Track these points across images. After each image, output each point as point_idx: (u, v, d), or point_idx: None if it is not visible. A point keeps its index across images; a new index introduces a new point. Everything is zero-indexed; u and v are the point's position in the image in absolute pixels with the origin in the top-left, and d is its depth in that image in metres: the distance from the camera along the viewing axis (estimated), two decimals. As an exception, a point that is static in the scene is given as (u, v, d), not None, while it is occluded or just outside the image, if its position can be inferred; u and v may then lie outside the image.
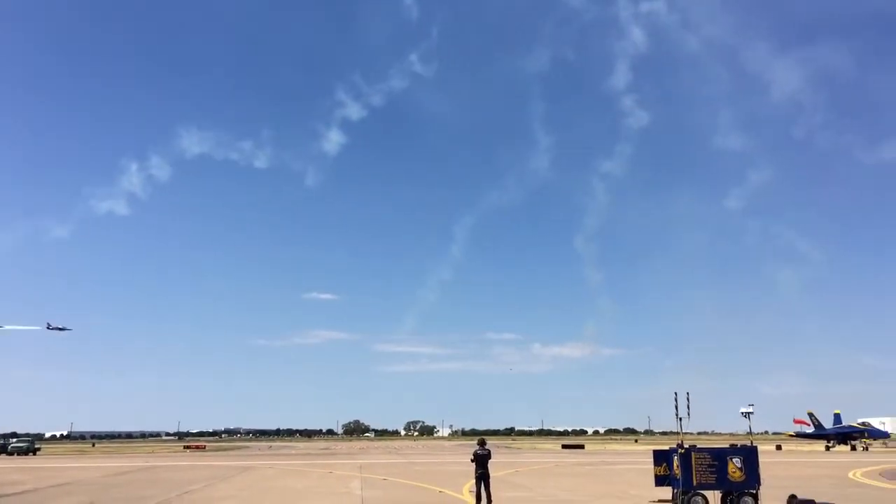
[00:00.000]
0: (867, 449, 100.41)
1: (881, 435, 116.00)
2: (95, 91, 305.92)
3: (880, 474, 44.15)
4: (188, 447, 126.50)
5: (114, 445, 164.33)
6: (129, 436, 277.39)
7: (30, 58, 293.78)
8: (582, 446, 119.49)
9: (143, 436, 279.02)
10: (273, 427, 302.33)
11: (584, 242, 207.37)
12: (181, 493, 31.69)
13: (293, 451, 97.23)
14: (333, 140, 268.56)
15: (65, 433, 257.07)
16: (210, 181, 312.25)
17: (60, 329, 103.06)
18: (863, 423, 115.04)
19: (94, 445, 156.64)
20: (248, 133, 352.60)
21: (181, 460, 71.16)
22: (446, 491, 31.69)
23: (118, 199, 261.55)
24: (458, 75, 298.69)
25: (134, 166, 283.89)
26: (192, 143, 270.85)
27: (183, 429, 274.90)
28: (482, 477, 24.35)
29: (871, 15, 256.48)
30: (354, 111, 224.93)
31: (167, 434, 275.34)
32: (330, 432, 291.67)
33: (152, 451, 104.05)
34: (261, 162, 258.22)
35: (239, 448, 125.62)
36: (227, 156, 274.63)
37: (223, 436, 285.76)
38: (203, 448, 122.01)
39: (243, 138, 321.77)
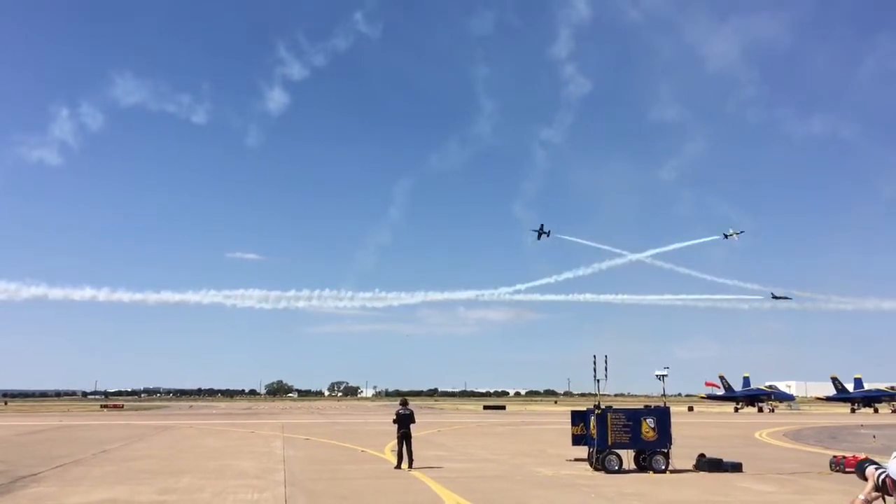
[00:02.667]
0: (773, 411, 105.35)
1: (786, 397, 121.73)
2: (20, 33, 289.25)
3: (784, 434, 46.39)
4: (105, 406, 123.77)
5: (27, 404, 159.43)
6: (43, 394, 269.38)
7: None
8: (503, 407, 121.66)
9: (59, 395, 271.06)
10: (194, 387, 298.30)
11: (522, 208, 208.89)
12: (97, 453, 31.04)
13: (214, 411, 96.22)
14: (275, 99, 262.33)
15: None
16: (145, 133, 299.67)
17: None
18: (770, 387, 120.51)
19: (6, 404, 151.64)
20: (186, 86, 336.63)
21: (98, 419, 69.58)
22: (368, 450, 31.91)
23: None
24: (402, 36, 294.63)
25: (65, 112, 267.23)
26: (128, 91, 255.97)
27: (100, 388, 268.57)
28: (404, 436, 24.63)
29: None
30: (296, 70, 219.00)
31: (84, 393, 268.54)
32: (252, 392, 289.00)
33: (67, 410, 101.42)
34: (199, 117, 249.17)
35: (158, 407, 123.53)
36: (164, 108, 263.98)
37: (142, 395, 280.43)
38: (121, 407, 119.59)
39: (182, 91, 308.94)
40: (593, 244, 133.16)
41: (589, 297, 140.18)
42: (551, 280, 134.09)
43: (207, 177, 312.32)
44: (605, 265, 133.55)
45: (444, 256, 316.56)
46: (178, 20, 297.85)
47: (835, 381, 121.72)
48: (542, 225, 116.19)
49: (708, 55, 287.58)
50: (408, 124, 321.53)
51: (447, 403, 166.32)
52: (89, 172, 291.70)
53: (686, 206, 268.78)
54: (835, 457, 24.92)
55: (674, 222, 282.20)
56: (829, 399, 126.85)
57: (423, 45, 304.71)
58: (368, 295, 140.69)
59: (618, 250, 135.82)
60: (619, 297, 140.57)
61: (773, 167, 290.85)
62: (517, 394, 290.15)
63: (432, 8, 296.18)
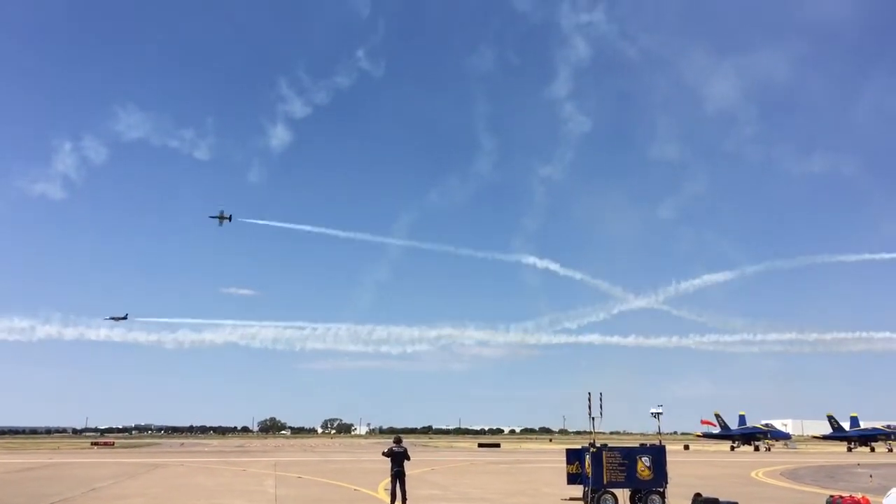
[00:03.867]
0: (769, 449, 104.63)
1: (783, 436, 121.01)
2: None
3: (781, 474, 46.04)
4: (96, 443, 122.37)
5: (17, 441, 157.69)
6: (33, 431, 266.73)
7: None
8: (498, 445, 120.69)
9: (49, 431, 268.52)
10: (186, 424, 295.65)
11: (521, 244, 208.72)
12: (86, 492, 30.68)
13: (206, 449, 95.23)
14: (278, 136, 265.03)
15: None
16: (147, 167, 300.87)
17: None
18: (766, 425, 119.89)
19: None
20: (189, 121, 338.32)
21: (88, 457, 68.83)
22: (361, 489, 31.60)
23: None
24: (404, 73, 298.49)
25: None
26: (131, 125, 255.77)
27: (91, 425, 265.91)
28: (398, 475, 24.38)
29: (806, 24, 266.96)
30: (298, 108, 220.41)
31: (74, 430, 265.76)
32: (245, 430, 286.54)
33: (57, 448, 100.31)
34: (202, 153, 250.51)
35: (149, 445, 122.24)
36: (167, 143, 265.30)
37: (133, 432, 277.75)
38: (111, 444, 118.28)
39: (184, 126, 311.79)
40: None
41: (591, 338, 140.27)
42: (546, 321, 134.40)
43: (205, 212, 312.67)
44: (614, 309, 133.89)
45: (442, 292, 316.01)
46: (182, 56, 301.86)
47: (831, 419, 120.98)
48: (223, 210, 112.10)
49: (706, 94, 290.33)
50: (408, 160, 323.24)
51: (441, 441, 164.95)
52: (91, 206, 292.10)
53: (685, 244, 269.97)
54: (832, 496, 24.70)
55: (673, 259, 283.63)
56: (825, 438, 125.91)
57: (425, 82, 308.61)
58: (363, 331, 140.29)
59: (618, 289, 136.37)
60: (630, 339, 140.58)
61: (772, 204, 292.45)
62: (512, 431, 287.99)
63: (434, 46, 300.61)
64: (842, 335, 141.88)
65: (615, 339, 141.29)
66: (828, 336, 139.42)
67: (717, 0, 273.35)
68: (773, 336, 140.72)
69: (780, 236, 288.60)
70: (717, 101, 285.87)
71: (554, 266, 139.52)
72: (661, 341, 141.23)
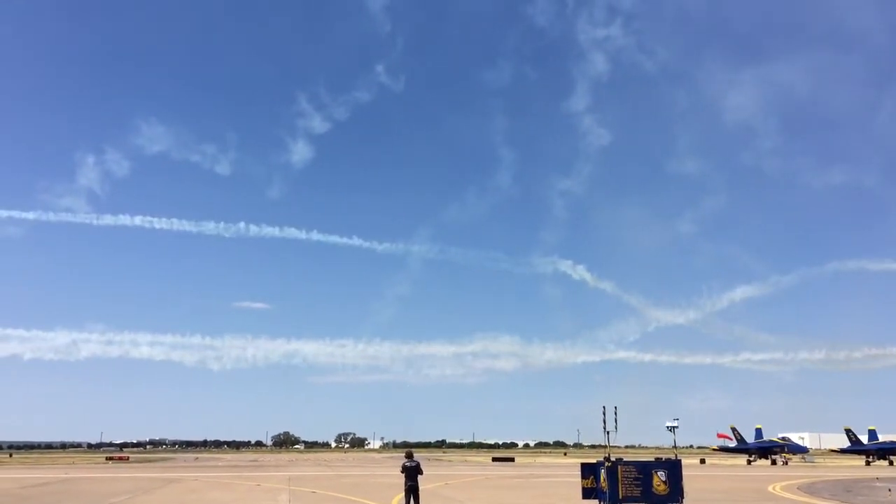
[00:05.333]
0: (787, 463, 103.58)
1: (800, 450, 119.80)
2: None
3: (798, 488, 45.59)
4: (111, 458, 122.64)
5: (32, 456, 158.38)
6: (48, 446, 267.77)
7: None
8: (512, 459, 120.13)
9: (64, 446, 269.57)
10: (200, 438, 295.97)
11: (540, 258, 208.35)
12: (102, 506, 30.78)
13: (220, 463, 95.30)
14: (298, 151, 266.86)
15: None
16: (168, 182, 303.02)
17: None
18: (783, 438, 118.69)
19: (11, 455, 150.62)
20: (210, 136, 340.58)
21: (103, 472, 69.06)
22: (375, 504, 31.55)
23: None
24: (424, 88, 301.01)
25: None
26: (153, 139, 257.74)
27: (105, 439, 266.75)
28: (411, 489, 24.37)
29: (824, 34, 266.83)
30: (318, 123, 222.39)
31: (89, 445, 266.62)
32: (259, 444, 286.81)
33: (73, 462, 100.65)
34: (223, 168, 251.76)
35: (164, 459, 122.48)
36: (188, 158, 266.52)
37: (148, 447, 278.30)
38: (126, 459, 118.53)
39: (205, 141, 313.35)
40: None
41: (615, 354, 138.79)
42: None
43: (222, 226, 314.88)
44: (634, 325, 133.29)
45: (458, 306, 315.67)
46: (203, 71, 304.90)
47: (849, 433, 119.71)
48: None
49: (725, 106, 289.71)
50: (427, 175, 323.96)
51: (455, 455, 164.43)
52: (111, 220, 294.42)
53: (705, 257, 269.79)
54: (850, 511, 24.48)
55: (693, 273, 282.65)
56: (843, 451, 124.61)
57: (444, 96, 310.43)
58: (377, 344, 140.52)
59: (639, 302, 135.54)
60: (665, 356, 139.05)
61: (793, 217, 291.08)
62: (526, 445, 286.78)
63: (453, 60, 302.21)
64: (874, 351, 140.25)
65: (665, 357, 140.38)
66: (857, 353, 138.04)
67: (734, 12, 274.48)
68: (803, 355, 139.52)
69: (802, 249, 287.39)
70: (736, 112, 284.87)
71: (578, 274, 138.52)
72: (696, 358, 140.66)
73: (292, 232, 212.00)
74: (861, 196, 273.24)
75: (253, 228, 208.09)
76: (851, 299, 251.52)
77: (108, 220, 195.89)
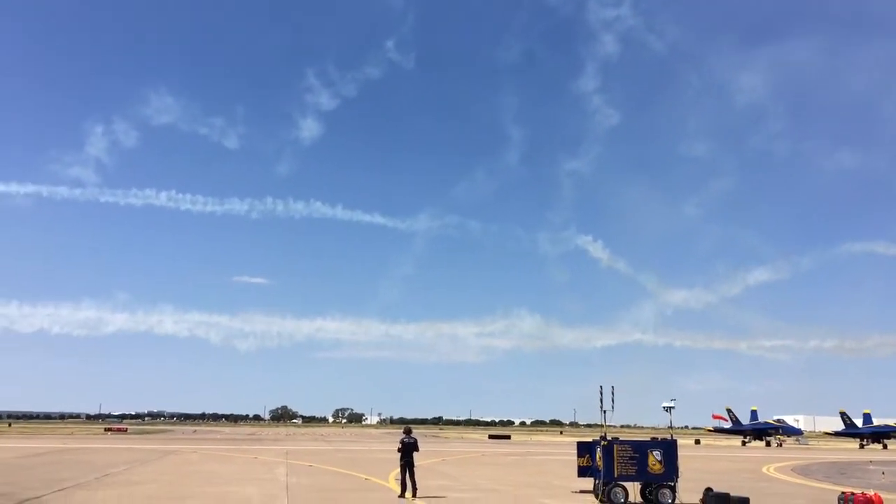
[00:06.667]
0: (781, 445, 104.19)
1: (795, 432, 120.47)
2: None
3: (792, 469, 45.87)
4: (109, 429, 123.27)
5: (31, 426, 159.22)
6: (47, 416, 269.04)
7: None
8: (508, 437, 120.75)
9: (62, 417, 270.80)
10: (198, 411, 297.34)
11: (546, 238, 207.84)
12: (100, 477, 30.93)
13: (218, 436, 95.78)
14: (307, 127, 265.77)
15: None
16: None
17: None
18: (778, 420, 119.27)
19: (10, 426, 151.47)
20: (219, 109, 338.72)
21: (101, 443, 69.38)
22: (372, 478, 31.71)
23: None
24: (434, 65, 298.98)
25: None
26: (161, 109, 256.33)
27: (104, 410, 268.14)
28: (407, 465, 24.50)
29: (835, 16, 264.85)
30: (327, 100, 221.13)
31: (87, 416, 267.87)
32: (257, 418, 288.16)
33: (71, 433, 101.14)
34: (231, 141, 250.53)
35: (162, 431, 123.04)
36: (197, 130, 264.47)
37: (146, 419, 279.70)
38: (125, 431, 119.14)
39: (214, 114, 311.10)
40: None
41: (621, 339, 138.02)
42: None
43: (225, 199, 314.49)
44: (634, 307, 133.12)
45: (459, 285, 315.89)
46: (212, 45, 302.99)
47: (843, 415, 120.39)
48: None
49: (736, 87, 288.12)
50: (435, 152, 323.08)
51: (452, 432, 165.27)
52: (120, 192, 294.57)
53: (712, 239, 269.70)
54: (843, 493, 24.57)
55: (700, 254, 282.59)
56: (837, 434, 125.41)
57: (454, 74, 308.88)
58: (376, 321, 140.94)
59: (647, 281, 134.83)
60: (680, 339, 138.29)
61: (802, 199, 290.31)
62: (522, 423, 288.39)
63: (463, 38, 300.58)
64: (884, 339, 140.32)
65: (678, 340, 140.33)
66: (868, 342, 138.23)
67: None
68: (813, 343, 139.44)
69: (813, 231, 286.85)
70: (745, 94, 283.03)
71: (592, 249, 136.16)
72: (713, 342, 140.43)
73: (298, 208, 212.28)
74: (872, 179, 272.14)
75: (256, 204, 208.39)
76: (861, 283, 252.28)
77: (119, 195, 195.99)
